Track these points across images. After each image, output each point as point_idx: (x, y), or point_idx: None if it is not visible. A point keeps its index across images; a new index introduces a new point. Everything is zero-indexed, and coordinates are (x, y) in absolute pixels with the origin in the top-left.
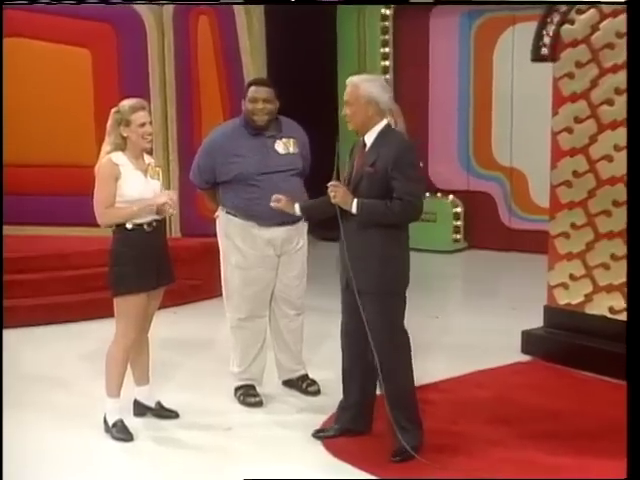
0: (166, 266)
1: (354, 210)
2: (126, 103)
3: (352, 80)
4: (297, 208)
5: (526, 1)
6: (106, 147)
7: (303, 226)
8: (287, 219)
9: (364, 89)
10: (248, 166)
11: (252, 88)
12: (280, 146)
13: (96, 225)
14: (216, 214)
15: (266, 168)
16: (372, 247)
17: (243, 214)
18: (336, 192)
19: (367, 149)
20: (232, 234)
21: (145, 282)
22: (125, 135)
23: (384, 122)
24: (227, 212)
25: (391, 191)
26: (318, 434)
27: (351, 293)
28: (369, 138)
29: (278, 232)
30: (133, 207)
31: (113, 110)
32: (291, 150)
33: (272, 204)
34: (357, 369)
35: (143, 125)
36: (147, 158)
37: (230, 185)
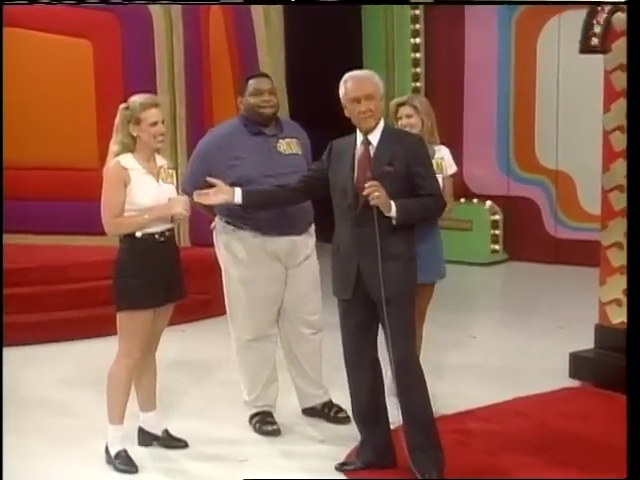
0: (177, 280)
1: (394, 212)
2: (137, 99)
3: (365, 73)
4: (238, 194)
5: (529, 1)
6: (113, 147)
7: (311, 236)
8: (292, 229)
9: (378, 82)
10: (250, 168)
11: (253, 80)
12: (283, 146)
13: (98, 234)
14: (213, 224)
15: (269, 170)
16: (397, 249)
17: (244, 223)
18: (379, 193)
19: (374, 149)
20: (232, 246)
21: (152, 297)
22: (135, 134)
23: (383, 120)
24: (226, 221)
25: (414, 189)
26: (342, 467)
27: (362, 305)
28: (374, 137)
29: (283, 243)
30: (145, 215)
31: (122, 106)
32: (295, 151)
33: (196, 197)
34: (373, 401)
35: (155, 124)
36: (159, 159)
37: None
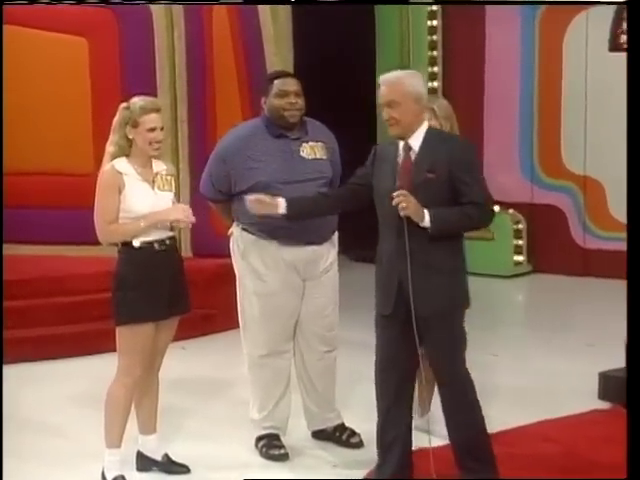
0: (181, 292)
1: (427, 221)
2: (138, 101)
3: (394, 76)
4: (282, 204)
5: (527, 1)
6: (110, 147)
7: (333, 245)
8: (315, 238)
9: (410, 85)
10: (270, 173)
11: (279, 81)
12: (306, 150)
13: (94, 243)
14: (230, 231)
15: (291, 175)
16: (442, 261)
17: (262, 231)
18: (407, 203)
19: (415, 154)
20: (249, 255)
21: (153, 310)
22: (130, 137)
23: (425, 122)
24: (243, 229)
25: (456, 197)
26: None
27: (402, 321)
28: (415, 141)
29: (303, 253)
30: (140, 223)
31: (123, 105)
32: (319, 155)
33: (249, 205)
34: (400, 415)
35: (153, 130)
36: (157, 165)
37: (243, 194)
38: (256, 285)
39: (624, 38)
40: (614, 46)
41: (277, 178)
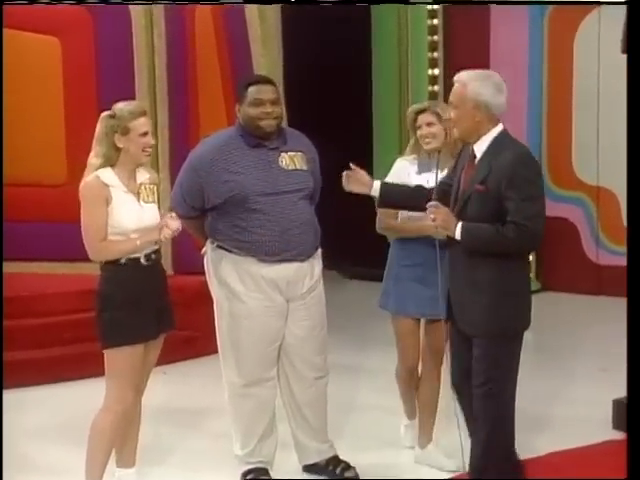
0: (166, 308)
1: (457, 236)
2: (124, 107)
3: (460, 77)
4: (375, 187)
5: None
6: (94, 160)
7: (318, 261)
8: (298, 253)
9: (472, 90)
10: (247, 185)
11: (253, 88)
12: (285, 161)
13: (67, 260)
14: (203, 250)
15: (269, 187)
16: (482, 280)
17: (239, 247)
18: (437, 214)
19: (477, 162)
20: (225, 274)
21: (144, 329)
22: (121, 146)
23: (498, 129)
24: (218, 246)
25: (505, 213)
26: None
27: (460, 334)
28: (479, 148)
29: (285, 270)
30: (136, 241)
31: (106, 114)
32: (298, 166)
33: (346, 173)
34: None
35: (145, 135)
36: (140, 174)
37: (223, 210)
38: (234, 307)
39: None
40: (627, 47)
41: (255, 190)
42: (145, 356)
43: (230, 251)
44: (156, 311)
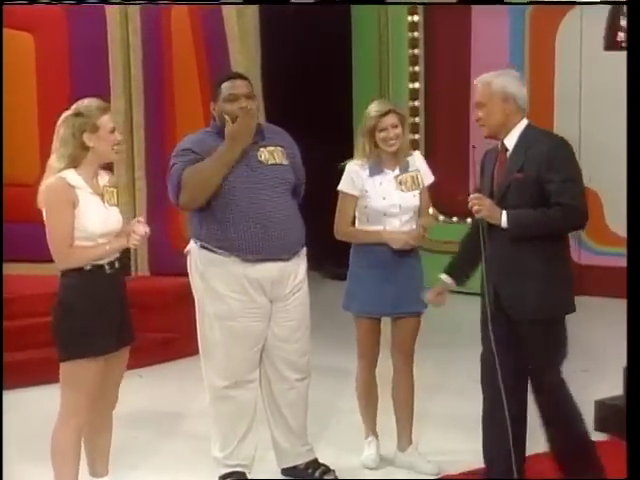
0: (127, 320)
1: (504, 224)
2: (90, 103)
3: (482, 78)
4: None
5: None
6: (57, 162)
7: (302, 261)
8: (282, 252)
9: (497, 85)
10: (226, 180)
11: (227, 84)
12: (264, 155)
13: (39, 261)
14: (187, 249)
15: (248, 182)
16: (529, 266)
17: (222, 246)
18: (481, 205)
19: (509, 154)
20: (209, 274)
21: (106, 341)
22: (91, 145)
23: (525, 121)
24: (202, 246)
25: (546, 198)
26: None
27: (502, 322)
28: (510, 141)
29: (270, 270)
30: (106, 246)
31: (69, 113)
32: (278, 160)
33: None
34: (509, 431)
35: (113, 131)
36: (101, 176)
37: (204, 208)
38: (217, 308)
39: (621, 36)
40: (610, 44)
41: (234, 185)
42: (108, 369)
43: (214, 251)
44: (118, 322)
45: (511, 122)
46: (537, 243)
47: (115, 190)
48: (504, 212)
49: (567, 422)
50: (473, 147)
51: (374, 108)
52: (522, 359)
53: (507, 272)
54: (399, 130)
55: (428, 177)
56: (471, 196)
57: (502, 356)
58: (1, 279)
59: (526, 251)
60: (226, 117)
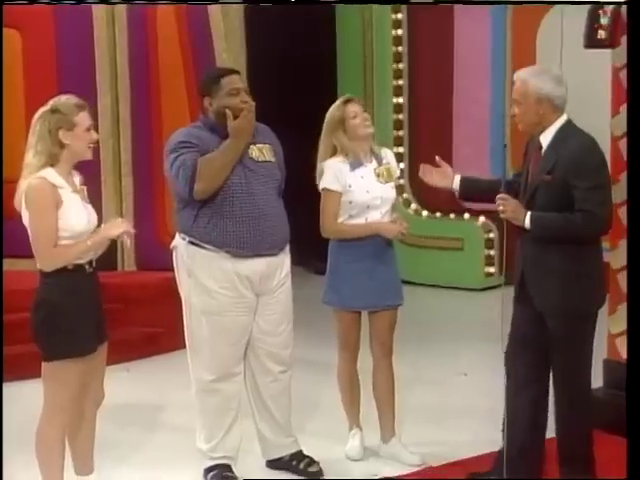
0: (103, 318)
1: (527, 225)
2: (67, 100)
3: (520, 75)
4: (456, 181)
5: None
6: (35, 159)
7: (287, 255)
8: (271, 247)
9: (533, 85)
10: None
11: (227, 79)
12: (255, 153)
13: (29, 256)
14: (173, 244)
15: (241, 178)
16: (558, 265)
17: (213, 242)
18: (505, 206)
19: (543, 152)
20: (197, 270)
21: (88, 340)
22: (67, 142)
23: (563, 119)
24: (190, 241)
25: (572, 202)
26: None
27: (526, 308)
28: (545, 138)
29: (259, 265)
30: (87, 242)
31: (46, 109)
32: (267, 158)
33: (420, 171)
34: (529, 421)
35: (89, 129)
36: (74, 175)
37: (194, 204)
38: (205, 304)
39: (602, 33)
40: (590, 42)
41: (227, 182)
42: (92, 366)
43: (202, 246)
44: (96, 321)
45: (547, 121)
46: (562, 244)
47: (85, 188)
48: (528, 214)
49: (578, 410)
50: (504, 146)
51: (334, 105)
52: (545, 352)
53: (531, 268)
54: (366, 114)
55: (396, 171)
56: (498, 196)
57: (526, 348)
58: (1, 275)
59: (548, 250)
60: (227, 112)
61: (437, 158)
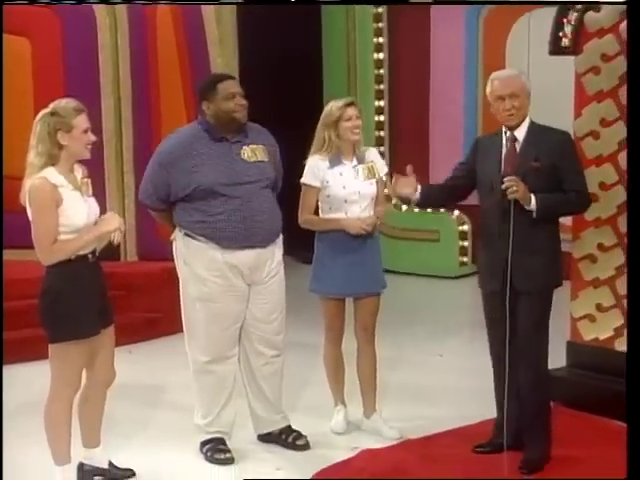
0: (107, 303)
1: (533, 205)
2: (66, 104)
3: (511, 72)
4: (418, 190)
5: (518, 1)
6: (36, 160)
7: (278, 248)
8: (259, 241)
9: (526, 82)
10: (211, 177)
11: (223, 84)
12: (247, 153)
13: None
14: (172, 236)
15: (232, 178)
16: (542, 243)
17: (204, 234)
18: (517, 187)
19: (520, 145)
20: (191, 260)
21: (91, 324)
22: (64, 144)
23: (529, 116)
24: (185, 234)
25: (558, 184)
26: (477, 449)
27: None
28: (520, 133)
29: (247, 257)
30: (84, 237)
31: (46, 112)
32: (260, 158)
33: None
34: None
35: (87, 131)
36: (77, 170)
37: (189, 200)
38: (199, 291)
39: (565, 41)
40: (554, 49)
41: (219, 181)
42: (96, 347)
43: (196, 239)
44: (100, 306)
45: (525, 116)
46: (547, 223)
47: (89, 180)
48: (532, 195)
49: (540, 378)
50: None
51: (337, 103)
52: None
53: (517, 249)
54: (360, 122)
55: (383, 169)
56: (507, 178)
57: (499, 327)
58: (1, 266)
59: (540, 232)
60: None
61: (408, 168)
